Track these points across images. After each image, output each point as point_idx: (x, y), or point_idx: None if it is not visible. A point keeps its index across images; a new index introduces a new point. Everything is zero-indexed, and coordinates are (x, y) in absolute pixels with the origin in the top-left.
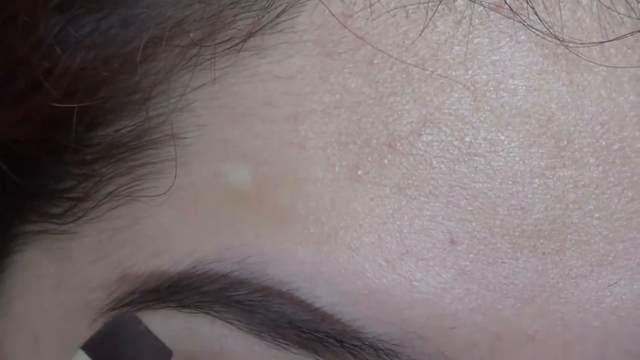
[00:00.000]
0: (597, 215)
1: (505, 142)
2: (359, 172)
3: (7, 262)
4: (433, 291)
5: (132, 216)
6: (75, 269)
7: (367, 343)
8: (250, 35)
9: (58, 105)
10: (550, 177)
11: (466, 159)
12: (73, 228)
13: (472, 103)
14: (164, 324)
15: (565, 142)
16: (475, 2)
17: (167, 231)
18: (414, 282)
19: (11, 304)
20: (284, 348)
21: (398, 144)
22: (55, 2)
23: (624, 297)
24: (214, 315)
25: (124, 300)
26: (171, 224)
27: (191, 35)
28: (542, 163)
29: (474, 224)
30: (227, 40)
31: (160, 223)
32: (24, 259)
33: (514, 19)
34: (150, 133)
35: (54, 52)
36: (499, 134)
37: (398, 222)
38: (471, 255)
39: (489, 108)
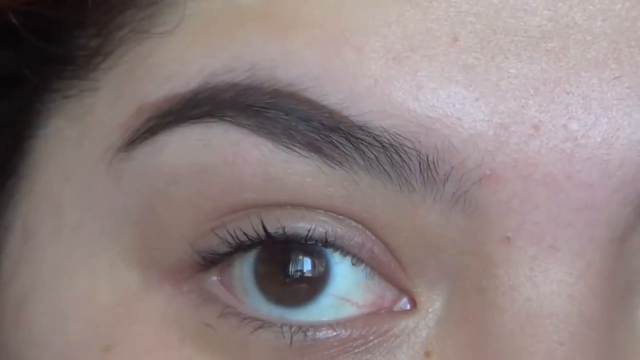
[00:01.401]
0: (600, 17)
1: None
2: None
3: (32, 141)
4: (437, 83)
5: (146, 51)
6: (96, 120)
7: (374, 137)
8: None
9: None
10: None
11: None
12: (93, 84)
13: None
14: (181, 141)
15: None
16: None
17: (178, 57)
18: (418, 74)
19: (36, 180)
20: (293, 150)
21: None
22: None
23: (628, 89)
24: (228, 121)
25: (141, 130)
26: (182, 49)
27: None
28: None
29: (477, 25)
30: None
31: (171, 51)
32: (47, 133)
33: None
34: None
35: None
36: None
37: (403, 25)
38: (474, 53)
39: None
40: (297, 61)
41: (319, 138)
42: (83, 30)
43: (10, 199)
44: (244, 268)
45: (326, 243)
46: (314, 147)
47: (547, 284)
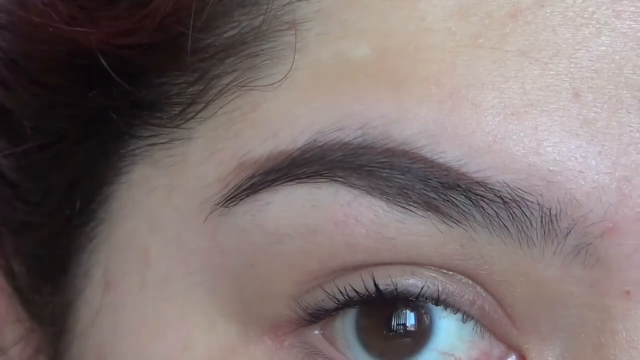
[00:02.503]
0: None
1: (630, 11)
2: (480, 40)
3: (114, 187)
4: (559, 137)
5: (249, 105)
6: (190, 171)
7: (495, 193)
8: None
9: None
10: None
11: (590, 25)
12: (186, 134)
13: None
14: (287, 200)
15: None
16: None
17: (284, 113)
18: (538, 128)
19: (119, 227)
20: (409, 210)
21: (520, 15)
22: None
23: None
24: (339, 182)
25: (242, 187)
26: (289, 105)
27: None
28: None
29: (598, 81)
30: None
31: (277, 106)
32: (131, 180)
33: None
34: (269, 25)
35: None
36: (623, 5)
37: (521, 81)
38: (596, 107)
39: None
40: (413, 119)
41: (436, 197)
42: (179, 76)
43: (88, 244)
44: (347, 321)
45: (438, 301)
46: (431, 207)
47: None
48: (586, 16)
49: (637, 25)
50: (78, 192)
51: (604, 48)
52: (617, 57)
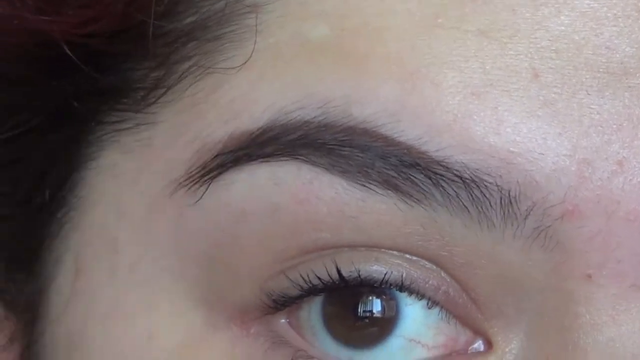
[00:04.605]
0: None
1: None
2: (440, 20)
3: (83, 173)
4: (519, 117)
5: (210, 87)
6: (155, 154)
7: (454, 172)
8: None
9: None
10: (637, 18)
11: (549, 4)
12: (151, 117)
13: None
14: (250, 179)
15: None
16: None
17: (245, 93)
18: (498, 108)
19: (87, 213)
20: (369, 189)
21: None
22: None
23: None
24: (300, 160)
25: (206, 167)
26: (250, 85)
27: None
28: (628, 8)
29: (557, 61)
30: None
31: (238, 87)
32: (100, 165)
33: None
34: (230, 9)
35: None
36: None
37: (481, 60)
38: (555, 88)
39: None
40: (373, 97)
41: (396, 175)
42: (142, 62)
43: (59, 230)
44: (312, 309)
45: (401, 287)
46: (390, 185)
47: (630, 323)
48: None
49: (596, 5)
50: (48, 180)
51: (563, 28)
52: (577, 37)
